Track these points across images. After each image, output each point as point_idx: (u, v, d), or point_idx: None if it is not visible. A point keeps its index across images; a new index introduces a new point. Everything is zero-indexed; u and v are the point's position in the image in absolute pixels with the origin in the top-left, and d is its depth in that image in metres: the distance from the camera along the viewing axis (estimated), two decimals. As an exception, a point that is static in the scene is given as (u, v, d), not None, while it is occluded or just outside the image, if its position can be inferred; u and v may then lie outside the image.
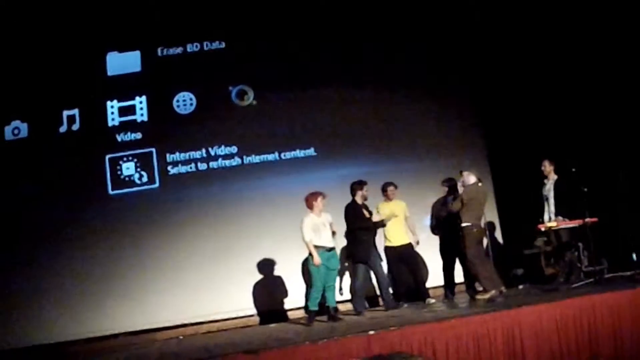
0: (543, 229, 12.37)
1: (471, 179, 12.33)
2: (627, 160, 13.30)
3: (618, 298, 10.13)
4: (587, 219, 12.04)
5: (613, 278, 11.96)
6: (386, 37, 14.61)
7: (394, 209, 12.71)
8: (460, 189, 12.44)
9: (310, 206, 11.94)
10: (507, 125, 14.51)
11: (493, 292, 11.92)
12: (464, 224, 12.08)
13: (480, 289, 12.44)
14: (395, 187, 12.89)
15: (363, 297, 12.71)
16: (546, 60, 14.25)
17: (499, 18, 14.50)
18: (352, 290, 12.52)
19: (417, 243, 12.96)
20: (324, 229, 11.83)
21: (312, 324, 11.72)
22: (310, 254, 11.71)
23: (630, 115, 13.24)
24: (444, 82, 14.67)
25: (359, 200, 12.52)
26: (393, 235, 12.72)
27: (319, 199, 11.94)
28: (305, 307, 12.47)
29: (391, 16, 14.64)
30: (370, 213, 12.55)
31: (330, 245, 11.89)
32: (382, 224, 12.62)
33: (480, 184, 12.49)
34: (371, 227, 12.48)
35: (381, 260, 12.54)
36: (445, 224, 12.70)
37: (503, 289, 12.13)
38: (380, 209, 12.78)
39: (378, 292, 12.78)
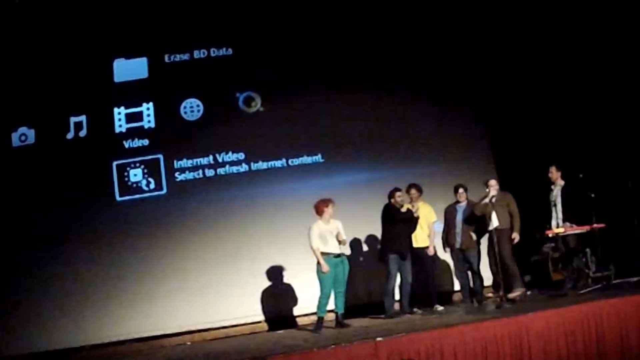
0: (550, 235, 12.36)
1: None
2: (634, 165, 13.28)
3: (625, 304, 10.13)
4: (595, 225, 12.03)
5: (620, 284, 11.95)
6: (393, 42, 14.59)
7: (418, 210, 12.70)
8: (494, 192, 12.43)
9: (320, 212, 11.94)
10: (515, 132, 14.49)
11: (522, 289, 12.26)
12: (499, 226, 12.17)
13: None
14: (417, 189, 12.95)
15: (394, 298, 12.72)
16: (553, 63, 14.24)
17: (504, 20, 14.50)
18: (386, 290, 12.55)
19: (433, 251, 13.04)
20: (330, 236, 11.82)
21: (321, 330, 11.72)
22: (318, 261, 11.72)
23: (637, 120, 13.24)
24: (451, 88, 14.62)
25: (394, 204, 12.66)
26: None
27: (330, 205, 11.95)
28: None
29: (396, 21, 14.63)
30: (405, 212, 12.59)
31: (337, 252, 11.87)
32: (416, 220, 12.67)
33: (487, 190, 12.59)
34: (410, 219, 12.53)
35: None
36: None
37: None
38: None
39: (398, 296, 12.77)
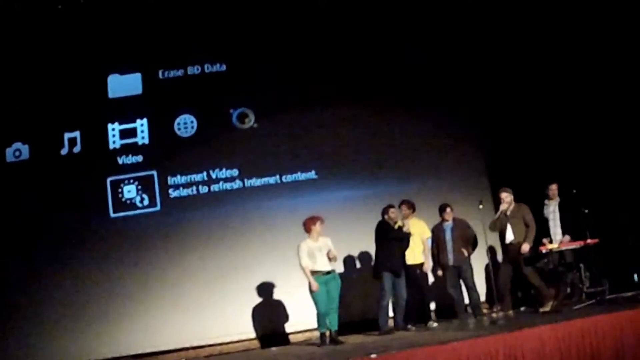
0: (544, 251, 12.36)
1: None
2: (629, 178, 13.32)
3: (620, 319, 10.09)
4: (589, 240, 12.05)
5: (615, 299, 11.93)
6: (387, 59, 14.61)
7: (410, 227, 12.69)
8: (504, 206, 12.49)
9: (308, 230, 11.96)
10: (509, 147, 14.50)
11: (551, 302, 12.12)
12: (513, 241, 12.32)
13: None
14: (408, 206, 12.98)
15: (388, 315, 12.68)
16: (546, 78, 14.33)
17: (496, 35, 14.56)
18: (380, 307, 12.49)
19: (428, 267, 13.06)
20: (319, 254, 11.81)
21: (326, 344, 11.72)
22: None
23: (631, 137, 13.28)
24: (445, 105, 14.59)
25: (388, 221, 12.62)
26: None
27: (317, 223, 11.96)
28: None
29: (389, 38, 14.68)
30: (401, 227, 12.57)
31: (327, 269, 11.86)
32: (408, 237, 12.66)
33: (481, 207, 12.60)
34: (402, 237, 12.50)
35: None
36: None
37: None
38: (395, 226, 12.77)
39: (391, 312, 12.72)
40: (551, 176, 13.03)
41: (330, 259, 11.85)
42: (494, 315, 12.36)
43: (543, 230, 12.80)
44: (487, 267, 13.33)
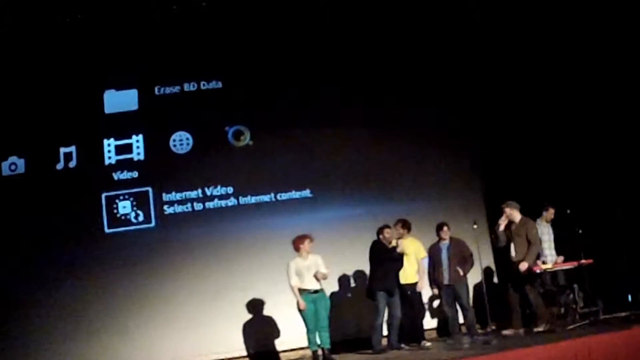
0: (538, 271, 12.35)
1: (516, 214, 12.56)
2: (623, 199, 13.37)
3: (614, 339, 10.14)
4: (583, 261, 12.07)
5: (609, 319, 11.97)
6: (381, 79, 14.65)
7: (404, 247, 12.67)
8: (503, 224, 12.50)
9: (297, 249, 12.05)
10: (503, 168, 14.54)
11: (545, 325, 12.05)
12: (514, 258, 12.28)
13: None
14: (403, 226, 12.92)
15: (382, 334, 12.65)
16: (541, 98, 14.43)
17: (488, 56, 14.64)
18: (374, 326, 12.48)
19: (422, 287, 13.04)
20: (307, 272, 11.89)
21: None
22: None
23: (625, 157, 13.34)
24: (441, 124, 14.66)
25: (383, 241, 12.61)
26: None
27: (306, 241, 12.05)
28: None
29: (386, 58, 14.72)
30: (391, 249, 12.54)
31: (315, 287, 11.93)
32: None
33: (475, 227, 12.61)
34: (396, 257, 12.48)
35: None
36: None
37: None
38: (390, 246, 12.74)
39: (385, 331, 12.67)
40: (545, 196, 13.06)
41: (317, 280, 11.92)
42: (504, 332, 12.31)
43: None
44: (480, 287, 13.29)
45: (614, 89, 13.65)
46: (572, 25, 13.89)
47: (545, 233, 13.11)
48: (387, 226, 12.69)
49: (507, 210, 12.52)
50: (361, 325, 13.49)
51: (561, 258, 12.59)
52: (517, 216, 12.49)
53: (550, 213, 13.20)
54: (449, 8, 14.50)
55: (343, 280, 13.86)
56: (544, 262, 12.62)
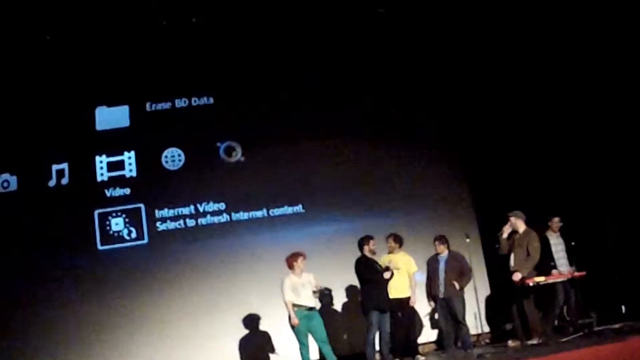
0: (531, 284, 12.32)
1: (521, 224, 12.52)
2: (616, 211, 13.41)
3: (608, 351, 10.14)
4: (576, 273, 12.08)
5: (603, 331, 11.99)
6: (373, 92, 14.70)
7: (396, 262, 12.66)
8: (506, 232, 12.48)
9: (290, 267, 11.96)
10: (496, 182, 14.54)
11: (539, 339, 11.94)
12: (513, 268, 12.21)
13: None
14: (394, 240, 12.88)
15: (375, 348, 12.57)
16: (532, 108, 14.49)
17: (485, 73, 14.70)
18: (367, 340, 12.39)
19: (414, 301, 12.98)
20: (303, 289, 11.82)
21: None
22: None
23: (618, 169, 13.39)
24: (432, 139, 14.73)
25: (367, 254, 12.49)
26: (390, 287, 12.66)
27: (299, 259, 11.97)
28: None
29: (375, 71, 14.79)
30: (381, 268, 12.43)
31: (310, 304, 11.86)
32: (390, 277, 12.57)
33: (468, 240, 12.62)
34: (379, 280, 12.35)
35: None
36: None
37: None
38: (381, 261, 12.71)
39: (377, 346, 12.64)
40: (539, 208, 13.06)
41: (315, 292, 11.91)
42: (510, 344, 12.35)
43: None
44: (475, 301, 13.29)
45: (605, 99, 13.71)
46: (562, 32, 13.95)
47: (558, 244, 13.04)
48: (371, 237, 12.57)
49: (512, 219, 12.48)
50: (353, 340, 13.52)
51: (573, 269, 12.57)
52: (521, 226, 12.44)
53: (554, 222, 13.14)
54: (448, 13, 14.55)
55: (335, 295, 13.86)
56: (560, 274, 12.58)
